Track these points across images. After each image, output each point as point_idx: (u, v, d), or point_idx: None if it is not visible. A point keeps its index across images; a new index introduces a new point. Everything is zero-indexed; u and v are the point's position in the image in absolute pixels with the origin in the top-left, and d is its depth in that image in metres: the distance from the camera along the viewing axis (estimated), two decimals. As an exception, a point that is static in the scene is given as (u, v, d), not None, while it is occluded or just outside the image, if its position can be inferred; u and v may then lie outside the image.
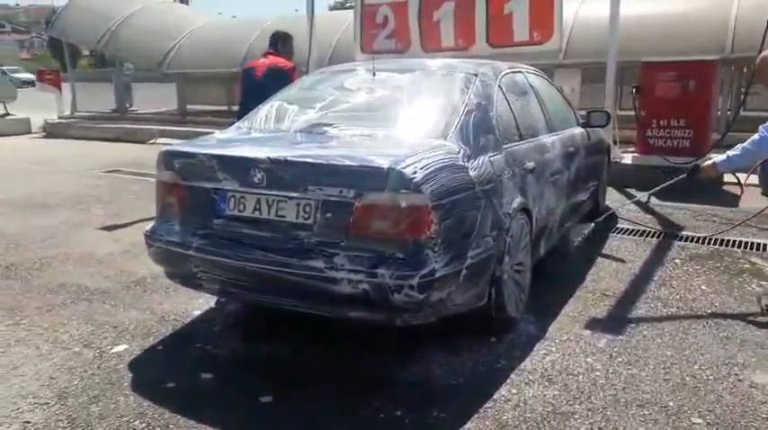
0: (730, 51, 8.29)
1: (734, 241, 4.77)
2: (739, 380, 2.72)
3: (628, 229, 5.21)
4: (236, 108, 6.85)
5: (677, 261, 4.39)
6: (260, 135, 3.36)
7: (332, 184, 2.66)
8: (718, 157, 3.98)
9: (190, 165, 3.03)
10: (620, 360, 2.94)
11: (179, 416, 2.53)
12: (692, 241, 4.83)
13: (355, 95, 3.56)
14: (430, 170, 2.65)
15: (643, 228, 5.21)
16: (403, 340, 3.11)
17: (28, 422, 2.52)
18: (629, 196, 6.23)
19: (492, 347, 3.06)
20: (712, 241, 4.79)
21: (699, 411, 2.50)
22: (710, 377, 2.76)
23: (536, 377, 2.79)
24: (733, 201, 6.16)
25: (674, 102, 6.68)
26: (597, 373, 2.82)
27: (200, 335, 3.32)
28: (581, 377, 2.79)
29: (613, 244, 4.83)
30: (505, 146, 3.32)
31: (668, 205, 5.92)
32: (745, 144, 3.78)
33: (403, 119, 3.30)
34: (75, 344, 3.22)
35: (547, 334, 3.23)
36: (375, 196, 2.60)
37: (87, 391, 2.74)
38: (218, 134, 3.51)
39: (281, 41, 5.66)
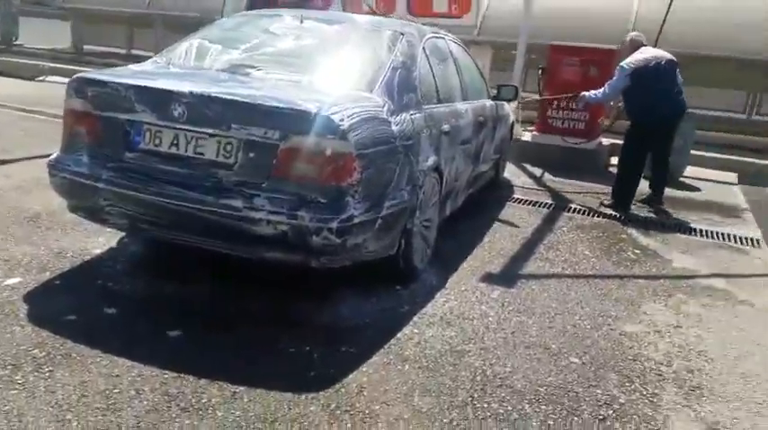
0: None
1: (615, 215, 5.24)
2: (612, 330, 3.07)
3: (523, 199, 5.56)
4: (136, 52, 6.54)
5: (564, 229, 4.77)
6: (179, 70, 3.27)
7: (257, 125, 2.67)
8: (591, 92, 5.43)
9: (104, 94, 2.92)
10: (510, 308, 3.21)
11: (82, 346, 2.50)
12: (578, 213, 5.25)
13: (281, 40, 3.54)
14: (356, 119, 2.73)
15: (536, 199, 5.59)
16: (314, 284, 3.21)
17: None
18: (527, 171, 6.66)
19: (397, 294, 3.23)
20: (596, 214, 5.24)
21: (576, 353, 2.80)
22: (588, 326, 3.09)
23: (435, 320, 2.99)
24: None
25: (576, 85, 7.13)
26: (490, 319, 3.06)
27: (102, 272, 3.23)
28: (475, 321, 3.02)
29: (509, 211, 5.15)
30: (425, 106, 3.46)
31: (559, 181, 6.37)
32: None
33: (329, 68, 3.33)
34: (-38, 273, 3.04)
35: (447, 284, 3.44)
36: (301, 140, 2.64)
37: (-22, 321, 2.62)
38: (134, 66, 3.38)
39: None
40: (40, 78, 10.90)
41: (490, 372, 2.56)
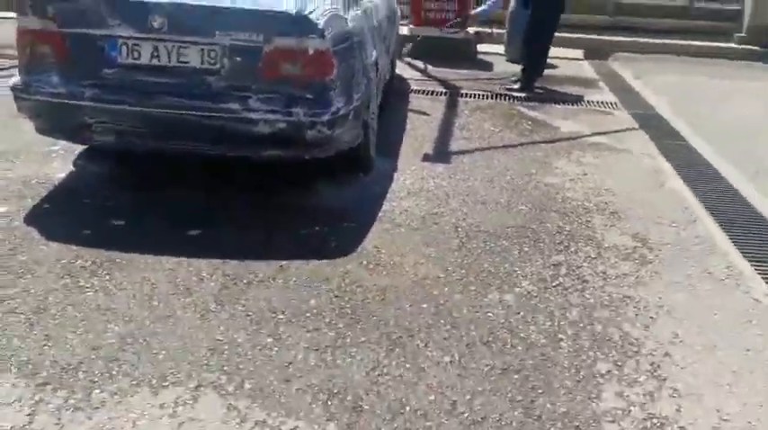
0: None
1: (502, 95, 6.00)
2: (538, 183, 3.82)
3: (421, 90, 6.12)
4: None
5: (466, 111, 5.44)
6: None
7: (241, 30, 2.87)
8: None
9: (70, 10, 2.90)
10: (457, 178, 3.83)
11: (118, 253, 2.71)
12: (471, 97, 5.94)
13: None
14: (327, 18, 3.04)
15: (432, 89, 6.18)
16: (290, 182, 3.57)
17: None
18: (411, 65, 7.20)
19: (363, 180, 3.69)
20: (486, 96, 5.97)
21: (521, 202, 3.52)
22: (519, 182, 3.81)
23: (404, 194, 3.53)
24: (488, 66, 7.48)
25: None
26: (445, 188, 3.67)
27: (83, 192, 3.34)
28: (436, 191, 3.61)
29: (415, 102, 5.70)
30: (361, 3, 3.78)
31: (442, 70, 6.99)
32: None
33: None
34: (-61, 212, 3.00)
35: (398, 167, 3.97)
36: (284, 41, 2.91)
37: (1, 246, 2.71)
38: None
39: None
40: None
41: (465, 224, 3.19)
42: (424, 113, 5.29)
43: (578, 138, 4.77)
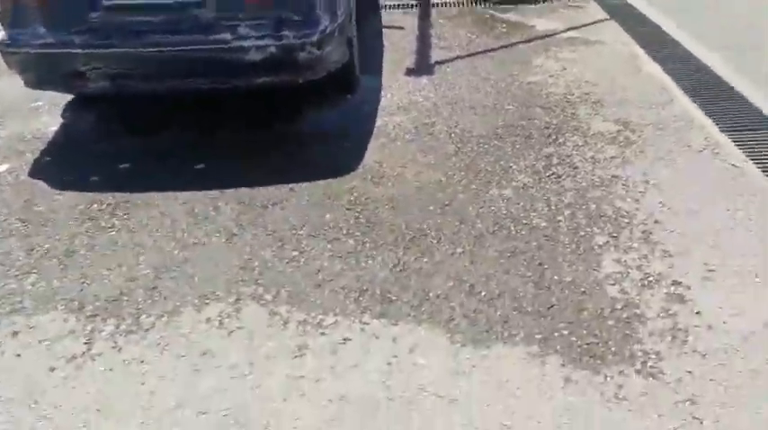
0: None
1: (470, 2, 5.97)
2: (521, 82, 3.92)
3: (391, 5, 6.06)
4: None
5: (441, 20, 5.43)
6: None
7: None
8: None
9: None
10: (442, 89, 3.91)
11: (131, 193, 2.83)
12: (443, 6, 5.90)
13: None
14: None
15: (401, 2, 6.12)
16: (280, 109, 3.64)
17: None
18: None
19: (352, 100, 3.75)
20: (457, 4, 5.93)
21: (507, 102, 3.63)
22: (503, 84, 3.91)
23: (394, 110, 3.63)
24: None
25: None
26: (432, 98, 3.76)
27: (81, 141, 3.40)
28: (424, 102, 3.70)
29: (387, 17, 5.65)
30: None
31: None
32: None
33: None
34: (-56, 176, 3.05)
35: (382, 84, 4.03)
36: None
37: (14, 201, 2.81)
38: None
39: None
40: None
41: (458, 130, 3.32)
42: (400, 27, 5.28)
43: (554, 35, 4.82)
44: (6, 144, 3.35)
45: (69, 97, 3.78)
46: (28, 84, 3.18)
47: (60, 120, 3.63)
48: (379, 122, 3.46)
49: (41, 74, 3.11)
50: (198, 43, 2.93)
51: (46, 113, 3.70)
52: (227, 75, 3.08)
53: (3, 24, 3.02)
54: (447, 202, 2.65)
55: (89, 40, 2.93)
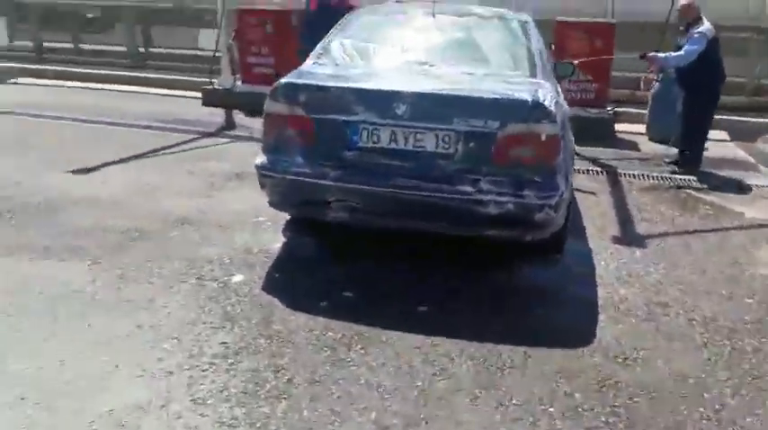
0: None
1: (663, 176, 5.86)
2: (752, 273, 3.64)
3: (576, 169, 6.08)
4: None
5: (634, 192, 5.34)
6: (362, 71, 3.48)
7: (478, 116, 3.00)
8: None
9: (320, 98, 3.15)
10: (661, 264, 3.70)
11: (359, 325, 2.81)
12: (632, 177, 5.83)
13: (434, 35, 3.83)
14: (554, 104, 3.14)
15: (587, 168, 6.13)
16: (487, 257, 3.59)
17: (224, 342, 2.63)
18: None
19: (562, 260, 3.65)
20: (647, 177, 5.85)
21: (743, 290, 3.35)
22: (731, 272, 3.63)
23: (614, 280, 3.46)
24: (633, 146, 7.34)
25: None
26: (654, 274, 3.56)
27: (303, 262, 3.51)
28: (646, 277, 3.52)
29: (574, 181, 5.66)
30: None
31: (586, 149, 6.84)
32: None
33: (494, 59, 3.63)
34: (185, 277, 3.21)
35: (591, 249, 3.90)
36: (518, 127, 3.02)
37: (253, 315, 2.86)
38: (315, 68, 3.56)
39: None
40: (12, 81, 10.32)
41: (698, 317, 3.07)
42: (592, 193, 5.24)
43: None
44: (238, 256, 3.52)
45: (287, 216, 3.97)
46: (273, 204, 3.39)
47: (282, 239, 3.79)
48: (601, 292, 3.30)
49: (290, 198, 3.31)
50: (441, 191, 3.02)
51: (270, 230, 3.89)
52: (461, 223, 3.12)
53: (265, 149, 3.29)
54: (718, 407, 2.35)
55: (342, 174, 3.10)
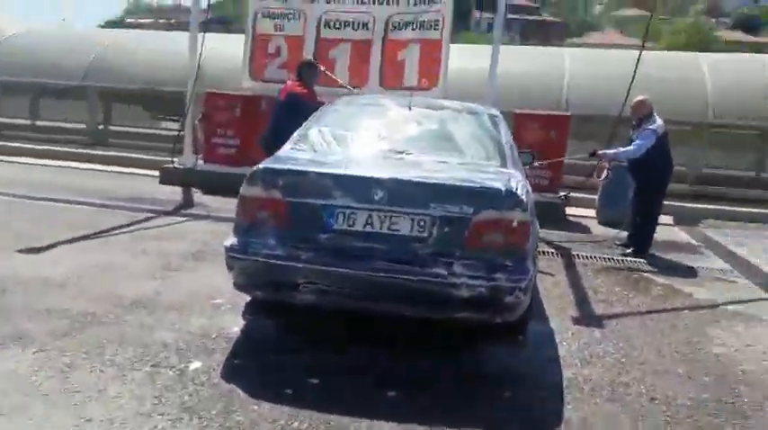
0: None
1: (615, 258, 6.07)
2: (706, 352, 3.74)
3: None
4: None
5: (589, 274, 5.49)
6: (341, 158, 3.57)
7: (454, 203, 3.10)
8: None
9: (297, 182, 3.20)
10: (620, 344, 3.77)
11: (326, 414, 2.71)
12: (586, 259, 6.01)
13: (410, 126, 4.00)
14: (525, 192, 3.26)
15: (541, 249, 6.28)
16: (452, 339, 3.58)
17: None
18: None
19: (526, 341, 3.64)
20: (600, 259, 6.04)
21: (699, 369, 3.42)
22: (687, 351, 3.73)
23: (577, 361, 3.49)
24: (584, 229, 7.63)
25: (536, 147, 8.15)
26: (614, 354, 3.61)
27: (265, 346, 3.42)
28: (606, 358, 3.57)
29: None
30: None
31: (540, 230, 7.16)
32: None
33: (466, 150, 3.80)
34: (139, 365, 3.07)
35: (553, 330, 3.95)
36: (492, 213, 3.11)
37: (213, 405, 2.74)
38: (293, 153, 3.64)
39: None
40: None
41: (660, 396, 3.11)
42: (550, 274, 5.35)
43: (718, 306, 4.72)
44: (196, 341, 3.39)
45: (247, 298, 3.88)
46: (239, 286, 3.32)
47: (242, 322, 3.69)
48: (566, 373, 3.32)
49: (258, 280, 3.25)
50: (413, 274, 3.04)
51: (228, 312, 3.79)
52: (434, 306, 3.12)
53: (236, 231, 3.27)
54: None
55: (315, 256, 3.10)
